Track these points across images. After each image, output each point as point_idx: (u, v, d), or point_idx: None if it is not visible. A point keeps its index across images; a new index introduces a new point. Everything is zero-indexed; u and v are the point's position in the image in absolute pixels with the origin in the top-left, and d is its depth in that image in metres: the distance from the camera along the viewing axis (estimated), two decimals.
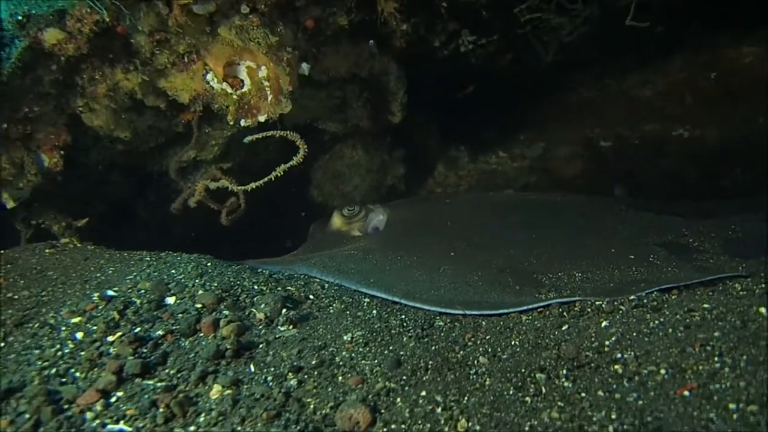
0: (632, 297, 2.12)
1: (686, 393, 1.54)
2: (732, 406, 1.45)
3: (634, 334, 1.84)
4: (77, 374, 1.78)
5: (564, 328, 1.95)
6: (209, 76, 2.85)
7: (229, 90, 2.87)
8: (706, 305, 1.96)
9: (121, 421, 1.61)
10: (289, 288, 2.31)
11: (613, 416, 1.50)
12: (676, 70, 4.73)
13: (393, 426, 1.54)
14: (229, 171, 3.47)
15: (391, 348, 1.91)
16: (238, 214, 3.25)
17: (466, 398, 1.62)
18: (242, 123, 2.89)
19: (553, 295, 2.21)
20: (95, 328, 1.94)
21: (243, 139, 2.69)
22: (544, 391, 1.63)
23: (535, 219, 3.17)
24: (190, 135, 3.24)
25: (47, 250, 2.54)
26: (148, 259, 2.42)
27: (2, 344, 1.91)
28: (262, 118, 2.90)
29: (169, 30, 2.55)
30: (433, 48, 4.18)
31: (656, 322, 1.90)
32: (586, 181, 4.86)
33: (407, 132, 4.53)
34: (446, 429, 1.51)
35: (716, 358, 1.63)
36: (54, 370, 1.78)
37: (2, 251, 2.53)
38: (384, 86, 3.84)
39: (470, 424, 1.52)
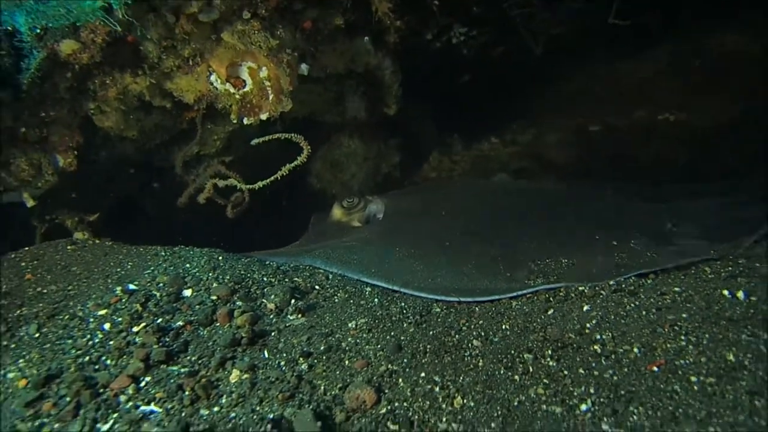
0: (612, 282, 2.31)
1: (655, 368, 1.73)
2: (693, 378, 1.65)
3: (612, 317, 2.03)
4: (108, 361, 1.95)
5: (550, 312, 2.14)
6: (213, 77, 2.99)
7: (232, 90, 3.01)
8: (676, 288, 2.15)
9: (152, 403, 1.79)
10: (296, 279, 2.49)
11: (592, 391, 1.70)
12: (664, 57, 4.90)
13: (396, 404, 1.74)
14: (231, 163, 3.63)
15: (392, 334, 2.10)
16: (242, 207, 3.42)
17: (461, 378, 1.81)
18: (245, 121, 3.04)
19: (541, 281, 2.39)
20: (121, 319, 2.12)
21: (251, 142, 2.83)
22: (531, 370, 1.82)
23: (525, 207, 3.34)
24: (195, 131, 3.40)
25: (69, 247, 2.71)
26: (163, 253, 2.59)
27: (37, 335, 2.09)
28: (264, 117, 3.06)
29: (175, 37, 2.69)
30: (427, 41, 4.34)
31: (632, 305, 2.09)
32: (575, 165, 5.05)
33: (402, 121, 4.69)
34: (444, 406, 1.70)
35: (682, 337, 1.82)
36: (87, 358, 1.96)
37: (26, 248, 2.70)
38: (379, 80, 3.99)
39: (465, 401, 1.71)
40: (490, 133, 5.37)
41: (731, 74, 4.76)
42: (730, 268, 2.32)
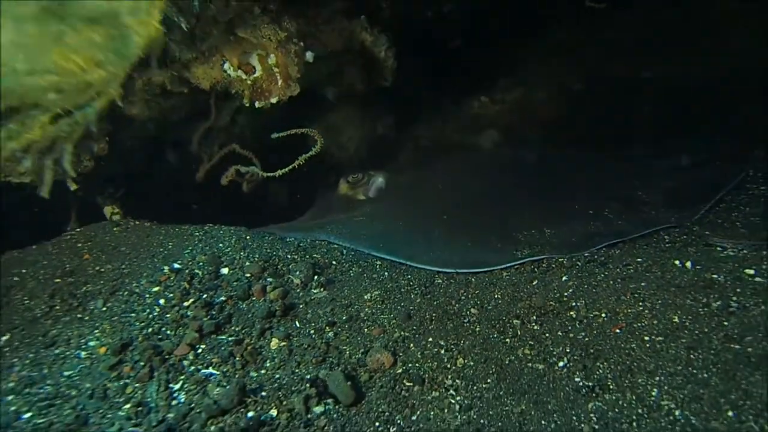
0: (586, 253, 2.71)
1: (617, 331, 2.15)
2: (647, 338, 2.07)
3: (586, 286, 2.44)
4: (168, 332, 2.34)
5: (534, 283, 2.54)
6: (226, 66, 3.25)
7: (243, 76, 3.29)
8: (639, 259, 2.56)
9: (210, 367, 2.19)
10: (315, 255, 2.87)
11: (567, 350, 2.11)
12: (645, 11, 5.14)
13: (409, 365, 2.15)
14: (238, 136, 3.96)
15: (402, 304, 2.50)
16: (256, 182, 3.76)
17: (462, 341, 2.22)
18: (257, 104, 3.33)
19: (527, 253, 2.78)
20: (172, 295, 2.49)
21: (271, 135, 3.12)
22: (519, 333, 2.24)
23: (513, 178, 3.70)
24: (209, 111, 3.69)
25: (115, 228, 3.05)
26: (197, 234, 2.94)
27: (105, 308, 2.47)
28: (274, 100, 3.35)
29: (195, 37, 2.94)
30: (420, 10, 4.58)
31: (602, 275, 2.50)
32: (560, 121, 5.36)
33: (397, 84, 4.96)
34: (448, 365, 2.12)
35: (640, 304, 2.24)
36: (150, 329, 2.35)
37: (78, 229, 3.03)
38: (375, 57, 4.24)
39: (466, 360, 2.13)
40: (480, 92, 5.65)
41: (714, 32, 5.01)
42: (684, 237, 2.74)
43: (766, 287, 2.20)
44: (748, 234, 2.60)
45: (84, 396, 2.06)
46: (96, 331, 2.35)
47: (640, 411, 1.78)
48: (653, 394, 1.84)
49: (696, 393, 1.81)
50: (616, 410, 1.79)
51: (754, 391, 1.76)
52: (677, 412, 1.76)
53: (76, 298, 2.52)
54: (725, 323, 2.05)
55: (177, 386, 2.10)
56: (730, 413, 1.72)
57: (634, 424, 1.73)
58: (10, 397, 2.07)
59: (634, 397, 1.83)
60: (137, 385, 2.11)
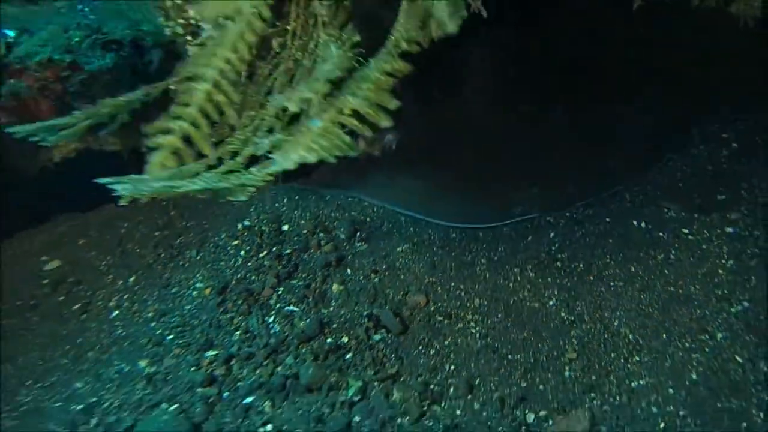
0: (567, 213, 3.46)
1: (591, 278, 2.93)
2: (611, 283, 2.86)
3: (567, 242, 3.19)
4: (253, 277, 3.05)
5: (529, 238, 3.30)
6: None
7: None
8: (607, 218, 3.26)
9: (291, 305, 2.92)
10: (353, 213, 3.54)
11: (555, 292, 2.89)
12: None
13: (438, 304, 2.91)
14: None
15: (427, 255, 3.23)
16: None
17: (476, 285, 2.99)
18: None
19: (521, 210, 3.50)
20: (249, 248, 3.17)
21: None
22: (519, 279, 3.01)
23: (502, 135, 4.29)
24: None
25: None
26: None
27: (198, 257, 3.14)
28: None
29: None
30: None
31: (580, 232, 3.25)
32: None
33: None
34: (468, 304, 2.89)
35: (607, 257, 3.00)
36: (239, 275, 3.04)
37: None
38: None
39: (480, 300, 2.90)
40: None
41: None
42: (641, 197, 3.47)
43: (695, 243, 2.99)
44: (685, 198, 3.35)
45: (205, 325, 2.79)
46: (198, 275, 3.04)
47: (606, 336, 2.60)
48: (615, 324, 2.65)
49: (644, 323, 2.62)
50: (590, 336, 2.61)
51: (680, 320, 2.59)
52: (630, 336, 2.58)
53: (174, 248, 3.19)
54: (666, 271, 2.85)
55: (270, 319, 2.84)
56: (664, 336, 2.54)
57: (602, 345, 2.55)
58: (152, 324, 2.79)
59: (602, 327, 2.64)
60: (240, 317, 2.84)
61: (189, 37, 2.25)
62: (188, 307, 2.85)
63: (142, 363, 2.76)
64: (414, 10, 1.63)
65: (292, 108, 1.61)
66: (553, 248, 3.18)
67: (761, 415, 2.05)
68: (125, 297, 3.08)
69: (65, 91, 2.76)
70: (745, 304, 2.49)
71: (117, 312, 3.01)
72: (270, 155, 1.59)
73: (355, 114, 1.58)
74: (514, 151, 4.23)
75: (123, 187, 1.61)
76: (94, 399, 2.64)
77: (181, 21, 2.22)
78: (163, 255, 3.15)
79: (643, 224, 3.20)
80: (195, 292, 2.94)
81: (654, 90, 4.68)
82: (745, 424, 2.04)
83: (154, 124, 1.59)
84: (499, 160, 4.13)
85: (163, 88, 2.12)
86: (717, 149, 3.70)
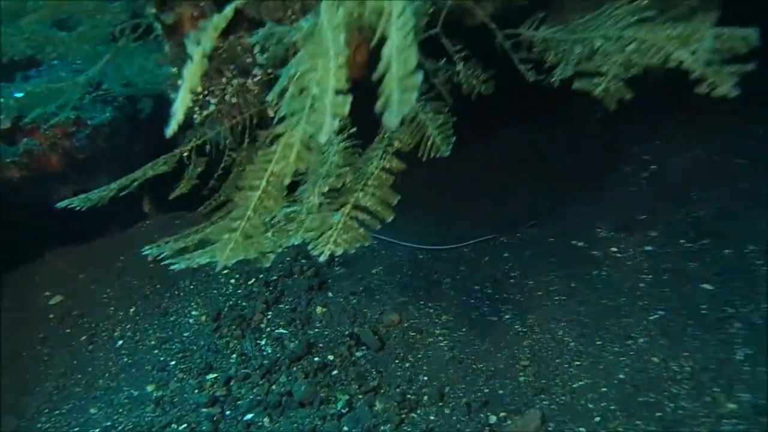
0: (518, 233, 3.96)
1: (539, 293, 3.44)
2: (556, 298, 3.37)
3: (518, 261, 3.69)
4: (244, 304, 3.41)
5: (486, 258, 3.77)
6: None
7: None
8: (550, 238, 3.81)
9: (280, 328, 3.30)
10: None
11: (510, 307, 3.37)
12: None
13: (410, 321, 3.34)
14: None
15: (398, 276, 3.66)
16: None
17: (442, 303, 3.44)
18: None
19: (477, 235, 3.98)
20: (238, 276, 3.53)
21: None
22: (479, 296, 3.47)
23: (470, 162, 4.81)
24: None
25: (176, 221, 3.95)
26: None
27: (192, 286, 3.47)
28: None
29: None
30: None
31: (529, 252, 3.76)
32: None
33: None
34: (436, 320, 3.34)
35: (552, 273, 3.52)
36: (231, 302, 3.39)
37: (148, 222, 3.91)
38: None
39: (447, 316, 3.35)
40: None
41: None
42: (578, 217, 4.03)
43: (622, 260, 3.52)
44: (614, 219, 3.89)
45: (204, 350, 3.15)
46: (192, 303, 3.38)
47: (553, 344, 3.08)
48: (560, 333, 3.15)
49: (582, 332, 3.13)
50: (540, 345, 3.10)
51: (611, 328, 3.10)
52: (572, 344, 3.07)
53: (168, 278, 3.51)
54: (599, 286, 3.37)
55: (263, 342, 3.22)
56: (599, 342, 3.05)
57: (550, 352, 3.04)
58: (155, 351, 3.12)
59: (550, 337, 3.13)
60: (235, 341, 3.21)
61: (197, 109, 2.63)
62: (186, 334, 3.20)
63: (150, 388, 3.10)
64: (409, 128, 2.06)
65: (315, 201, 1.99)
66: (507, 267, 3.67)
67: (671, 405, 2.57)
68: (128, 327, 3.40)
69: (72, 146, 3.04)
70: (661, 312, 3.03)
71: (121, 341, 3.33)
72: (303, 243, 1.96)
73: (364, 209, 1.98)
74: (470, 180, 4.72)
75: (181, 262, 1.99)
76: (109, 423, 2.96)
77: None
78: (158, 286, 3.47)
79: (580, 243, 3.73)
80: (191, 320, 3.28)
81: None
82: (659, 414, 2.56)
83: (220, 224, 1.96)
84: (458, 189, 4.61)
85: (179, 157, 2.46)
86: (638, 171, 4.28)
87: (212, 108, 2.57)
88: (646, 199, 3.90)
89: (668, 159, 4.23)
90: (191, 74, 1.51)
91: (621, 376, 2.79)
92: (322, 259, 1.94)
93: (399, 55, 1.19)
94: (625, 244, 3.55)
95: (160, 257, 2.10)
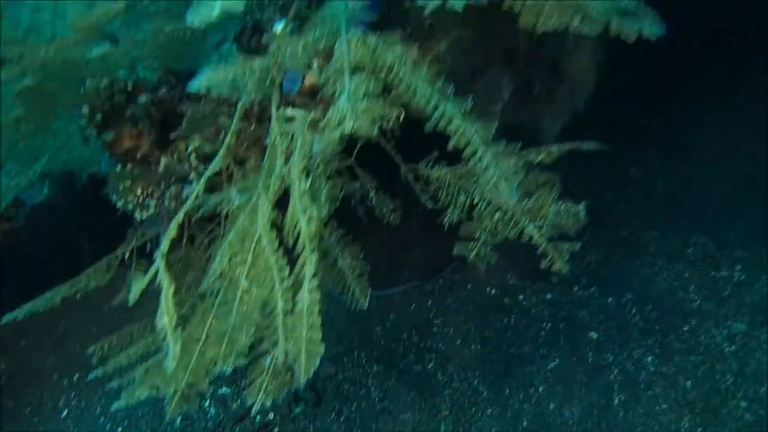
0: (440, 280, 4.38)
1: (459, 342, 3.88)
2: (477, 344, 3.83)
3: (441, 308, 4.12)
4: None
5: (413, 306, 4.17)
6: None
7: None
8: (468, 285, 4.28)
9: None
10: None
11: (433, 356, 3.80)
12: None
13: (345, 373, 3.71)
14: None
15: (333, 328, 4.01)
16: None
17: (374, 352, 3.82)
18: None
19: (402, 281, 4.38)
20: None
21: None
22: (407, 344, 3.88)
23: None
24: None
25: None
26: None
27: None
28: None
29: None
30: None
31: (450, 299, 4.19)
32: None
33: None
34: (368, 371, 3.72)
35: (469, 322, 3.97)
36: None
37: None
38: None
39: (378, 366, 3.74)
40: None
41: None
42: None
43: (526, 308, 4.01)
44: (520, 266, 4.40)
45: (149, 415, 3.39)
46: None
47: (469, 393, 3.53)
48: (475, 383, 3.60)
49: (494, 381, 3.59)
50: (458, 394, 3.53)
51: (517, 376, 3.58)
52: (485, 393, 3.54)
53: None
54: (508, 334, 3.84)
55: (206, 403, 3.50)
56: (507, 391, 3.53)
57: (466, 401, 3.49)
58: (101, 420, 3.33)
59: (467, 385, 3.58)
60: None
61: (138, 210, 2.84)
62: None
63: None
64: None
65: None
66: (431, 315, 4.09)
67: None
68: (72, 395, 3.57)
69: (12, 227, 3.15)
70: (557, 361, 3.55)
71: (66, 411, 3.50)
72: None
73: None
74: (397, 229, 5.09)
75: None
76: None
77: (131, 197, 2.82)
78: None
79: (493, 291, 4.19)
80: None
81: None
82: None
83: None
84: (387, 237, 4.98)
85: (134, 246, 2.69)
86: None
87: (152, 210, 2.80)
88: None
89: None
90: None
91: (525, 423, 3.29)
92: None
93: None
94: (530, 292, 4.05)
95: None
